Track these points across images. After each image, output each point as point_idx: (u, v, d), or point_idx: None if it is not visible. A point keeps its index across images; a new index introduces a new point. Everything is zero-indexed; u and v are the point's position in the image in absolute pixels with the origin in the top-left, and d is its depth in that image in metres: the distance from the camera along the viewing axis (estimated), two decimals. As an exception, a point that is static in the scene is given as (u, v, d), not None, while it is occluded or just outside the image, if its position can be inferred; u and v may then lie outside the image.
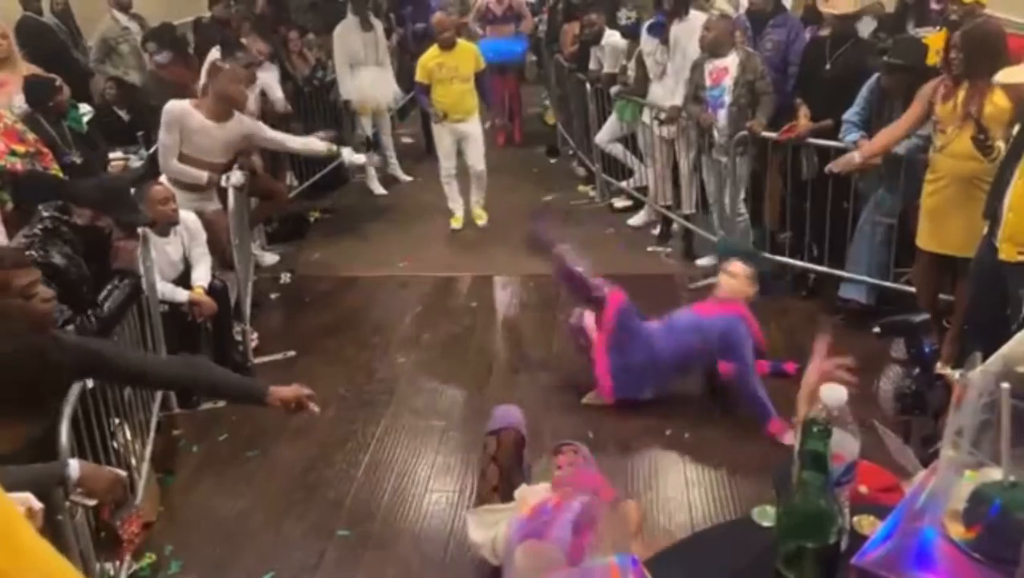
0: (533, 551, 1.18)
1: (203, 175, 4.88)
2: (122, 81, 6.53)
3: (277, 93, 6.53)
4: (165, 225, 4.37)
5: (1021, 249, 3.42)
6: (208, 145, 4.88)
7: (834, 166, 4.48)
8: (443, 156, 6.59)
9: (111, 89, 6.31)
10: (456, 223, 6.68)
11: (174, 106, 4.88)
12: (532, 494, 2.42)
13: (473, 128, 6.52)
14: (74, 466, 2.53)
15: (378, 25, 7.47)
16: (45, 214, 3.25)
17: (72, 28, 8.13)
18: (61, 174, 4.66)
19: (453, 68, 6.32)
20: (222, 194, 4.96)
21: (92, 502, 2.62)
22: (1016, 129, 3.52)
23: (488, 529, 2.37)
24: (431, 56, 6.37)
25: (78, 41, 7.88)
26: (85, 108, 5.72)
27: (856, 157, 4.38)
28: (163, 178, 4.87)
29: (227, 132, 4.94)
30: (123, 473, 2.84)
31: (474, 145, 6.52)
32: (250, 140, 5.18)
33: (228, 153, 5.01)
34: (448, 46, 6.35)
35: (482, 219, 6.72)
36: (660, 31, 5.86)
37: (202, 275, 4.47)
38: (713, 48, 5.20)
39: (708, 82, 5.29)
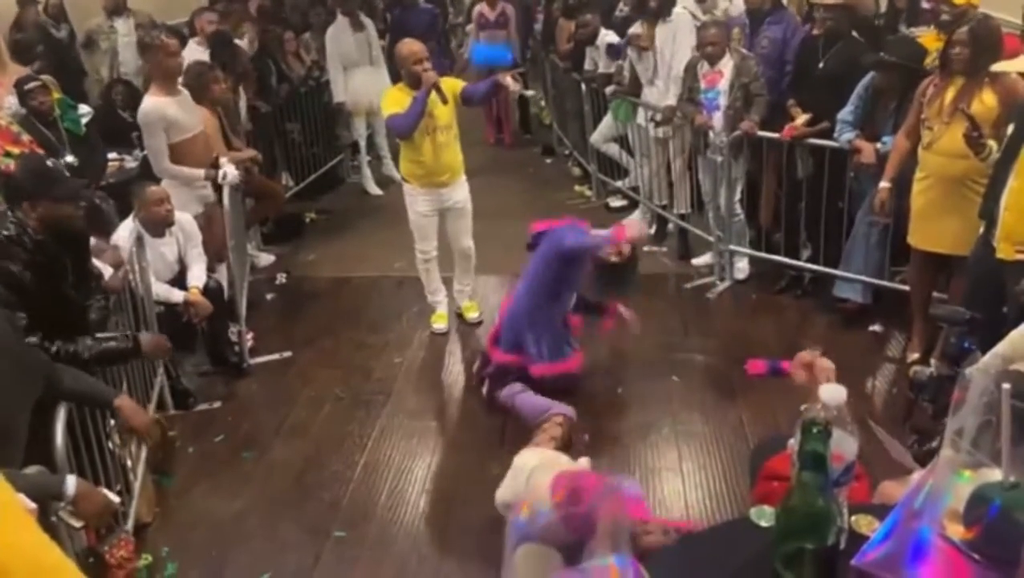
0: (533, 553, 1.18)
1: (199, 172, 4.85)
2: (129, 83, 6.51)
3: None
4: (161, 226, 4.36)
5: (1019, 248, 3.42)
6: (186, 120, 4.81)
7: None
8: (420, 235, 4.98)
9: (119, 95, 6.28)
10: (439, 322, 5.17)
11: (150, 107, 4.72)
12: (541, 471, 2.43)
13: (460, 194, 4.95)
14: (71, 483, 2.51)
15: (369, 25, 7.45)
16: (11, 221, 3.19)
17: (69, 29, 8.10)
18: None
19: (428, 115, 4.64)
20: (218, 190, 4.93)
21: (79, 524, 2.59)
22: (1010, 129, 3.53)
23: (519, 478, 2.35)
24: (398, 97, 4.71)
25: (73, 41, 7.84)
26: (85, 109, 5.66)
27: (884, 185, 4.33)
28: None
29: (185, 101, 4.87)
30: (116, 499, 2.81)
31: (461, 218, 4.98)
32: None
33: (202, 120, 4.93)
34: (420, 83, 4.61)
35: (474, 312, 5.25)
36: (617, 54, 6.24)
37: (198, 275, 4.47)
38: (712, 58, 5.21)
39: (703, 84, 5.30)
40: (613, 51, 6.41)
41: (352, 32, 7.22)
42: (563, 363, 4.20)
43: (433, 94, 4.59)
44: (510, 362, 4.12)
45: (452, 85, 4.79)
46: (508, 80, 4.82)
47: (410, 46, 4.72)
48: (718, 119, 5.24)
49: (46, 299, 3.09)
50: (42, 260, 3.10)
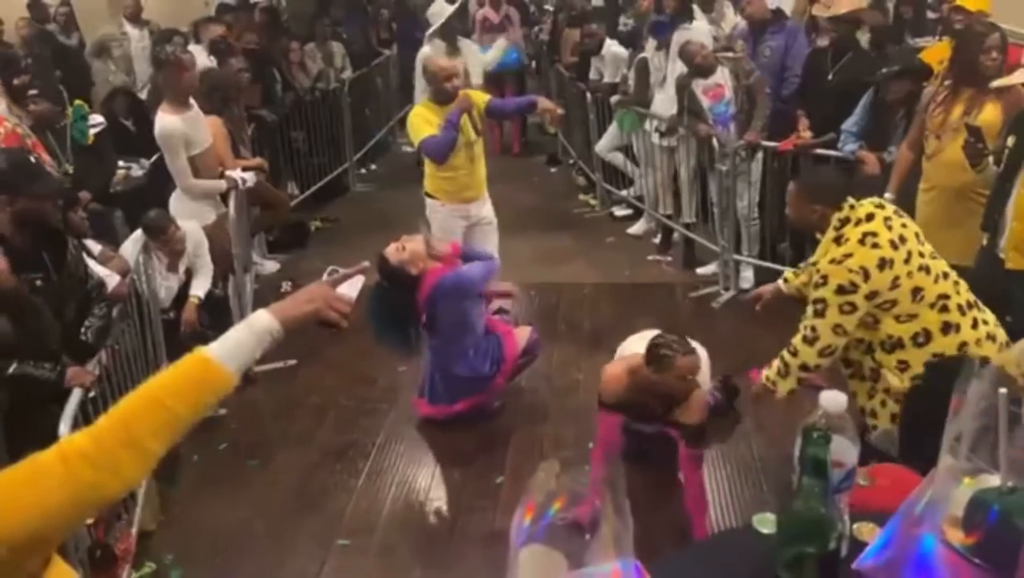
0: (537, 554, 1.18)
1: (221, 184, 4.84)
2: (129, 92, 6.53)
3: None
4: (175, 259, 4.41)
5: None
6: (198, 135, 4.76)
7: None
8: None
9: (119, 105, 6.29)
10: None
11: (169, 127, 4.60)
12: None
13: (486, 209, 4.84)
14: None
15: (466, 44, 7.38)
16: None
17: (79, 37, 8.16)
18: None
19: (463, 128, 4.55)
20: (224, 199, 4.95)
21: (89, 518, 2.62)
22: (1012, 141, 3.52)
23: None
24: (427, 116, 4.53)
25: (81, 49, 7.90)
26: (98, 119, 5.66)
27: (888, 196, 4.29)
28: (174, 197, 4.79)
29: (197, 116, 4.81)
30: None
31: (491, 234, 4.78)
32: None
33: (209, 132, 4.88)
34: (451, 100, 4.50)
35: None
36: (662, 31, 5.79)
37: (199, 286, 4.47)
38: (704, 72, 5.24)
39: (706, 102, 5.31)
40: (659, 29, 5.92)
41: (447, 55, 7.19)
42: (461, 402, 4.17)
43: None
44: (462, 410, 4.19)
45: (478, 97, 4.70)
46: (548, 114, 4.77)
47: (439, 62, 4.70)
48: (733, 129, 5.25)
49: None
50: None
